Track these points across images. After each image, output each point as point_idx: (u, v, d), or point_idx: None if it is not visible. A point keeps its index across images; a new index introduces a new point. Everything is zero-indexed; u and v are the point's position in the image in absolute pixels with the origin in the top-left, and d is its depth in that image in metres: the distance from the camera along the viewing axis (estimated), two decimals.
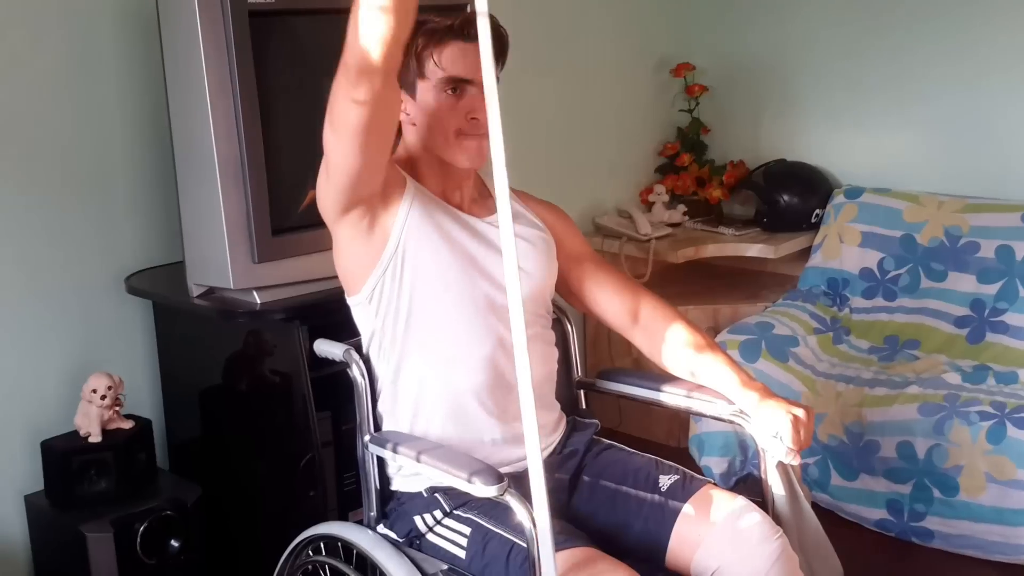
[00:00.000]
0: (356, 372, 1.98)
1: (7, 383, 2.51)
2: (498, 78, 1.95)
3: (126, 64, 2.61)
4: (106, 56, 2.59)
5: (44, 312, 2.55)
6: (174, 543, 2.43)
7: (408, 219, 1.90)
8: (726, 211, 4.01)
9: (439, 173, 1.98)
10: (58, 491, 2.45)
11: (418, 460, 1.83)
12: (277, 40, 2.33)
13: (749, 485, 2.00)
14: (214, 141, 2.25)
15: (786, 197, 3.78)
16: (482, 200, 2.07)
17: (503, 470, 1.81)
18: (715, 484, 1.98)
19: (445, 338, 1.92)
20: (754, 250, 3.70)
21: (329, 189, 1.84)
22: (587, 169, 3.87)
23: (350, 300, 1.97)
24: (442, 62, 1.88)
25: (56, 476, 2.44)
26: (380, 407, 1.99)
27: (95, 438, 2.44)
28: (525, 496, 1.69)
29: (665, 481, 1.96)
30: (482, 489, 1.71)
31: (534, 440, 1.48)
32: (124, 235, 2.66)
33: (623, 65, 3.96)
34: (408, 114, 1.95)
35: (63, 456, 2.42)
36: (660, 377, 2.12)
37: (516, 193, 2.16)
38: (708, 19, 4.08)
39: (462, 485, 1.75)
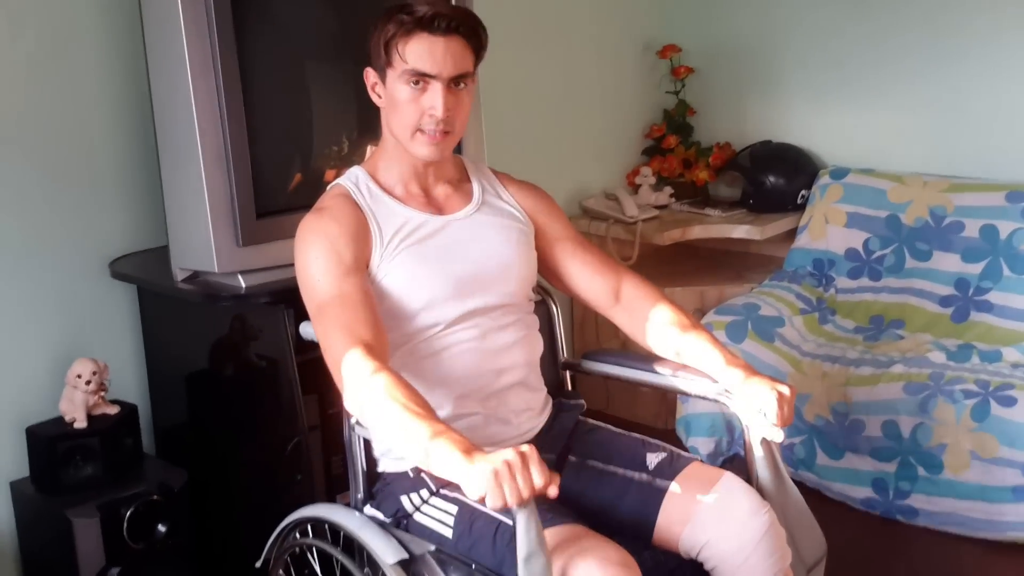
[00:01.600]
0: None
1: None
2: (475, 71, 1.97)
3: (108, 47, 2.59)
4: (88, 39, 2.57)
5: (28, 297, 2.54)
6: (161, 528, 2.43)
7: (377, 278, 1.93)
8: (712, 193, 4.01)
9: (411, 165, 2.00)
10: (44, 477, 2.44)
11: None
12: (259, 21, 2.32)
13: (736, 465, 2.01)
14: (196, 124, 2.24)
15: (772, 178, 3.78)
16: (460, 187, 2.08)
17: (488, 449, 1.81)
18: (702, 461, 1.98)
19: (423, 339, 1.94)
20: (740, 231, 3.70)
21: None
22: (574, 151, 3.87)
23: None
24: (406, 54, 1.88)
25: (42, 462, 2.44)
26: None
27: (80, 424, 2.43)
28: None
29: (652, 459, 1.97)
30: None
31: None
32: (109, 219, 2.64)
33: (609, 47, 3.95)
34: (380, 96, 1.97)
35: (49, 442, 2.41)
36: (646, 357, 2.12)
37: (497, 175, 2.16)
38: (694, 1, 4.07)
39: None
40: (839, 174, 3.68)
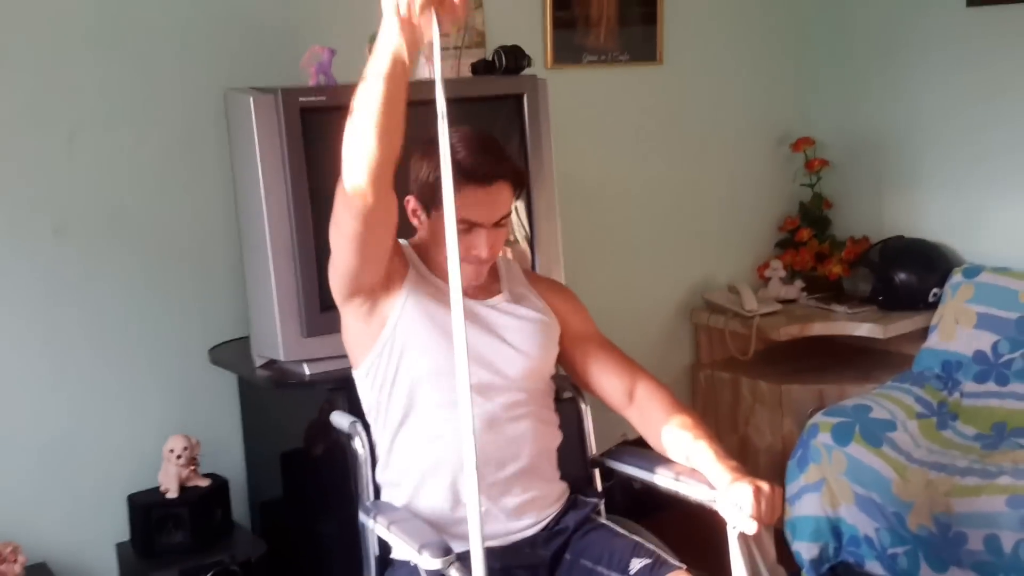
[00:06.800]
0: (358, 444, 2.13)
1: (110, 440, 2.77)
2: (516, 208, 2.08)
3: (218, 154, 2.81)
4: (201, 146, 2.83)
5: (144, 377, 2.81)
6: None
7: (404, 308, 2.03)
8: (848, 288, 3.91)
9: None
10: (141, 541, 2.69)
11: (388, 530, 1.94)
12: (327, 132, 2.50)
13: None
14: (267, 225, 2.45)
15: (902, 275, 3.66)
16: (488, 279, 2.17)
17: (490, 543, 1.88)
18: (687, 570, 1.98)
19: (433, 417, 2.03)
20: (863, 329, 3.60)
21: (334, 277, 2.01)
22: (703, 243, 3.91)
23: (354, 373, 2.12)
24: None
25: (139, 527, 2.69)
26: (380, 477, 2.12)
27: (172, 494, 2.67)
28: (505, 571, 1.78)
29: (635, 564, 1.99)
30: (428, 561, 1.79)
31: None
32: (214, 309, 2.89)
33: (743, 139, 3.97)
34: (420, 221, 2.10)
35: (144, 510, 2.67)
36: (652, 457, 2.14)
37: (524, 273, 2.25)
38: (829, 93, 4.04)
39: (413, 557, 1.84)
40: (972, 272, 3.53)
